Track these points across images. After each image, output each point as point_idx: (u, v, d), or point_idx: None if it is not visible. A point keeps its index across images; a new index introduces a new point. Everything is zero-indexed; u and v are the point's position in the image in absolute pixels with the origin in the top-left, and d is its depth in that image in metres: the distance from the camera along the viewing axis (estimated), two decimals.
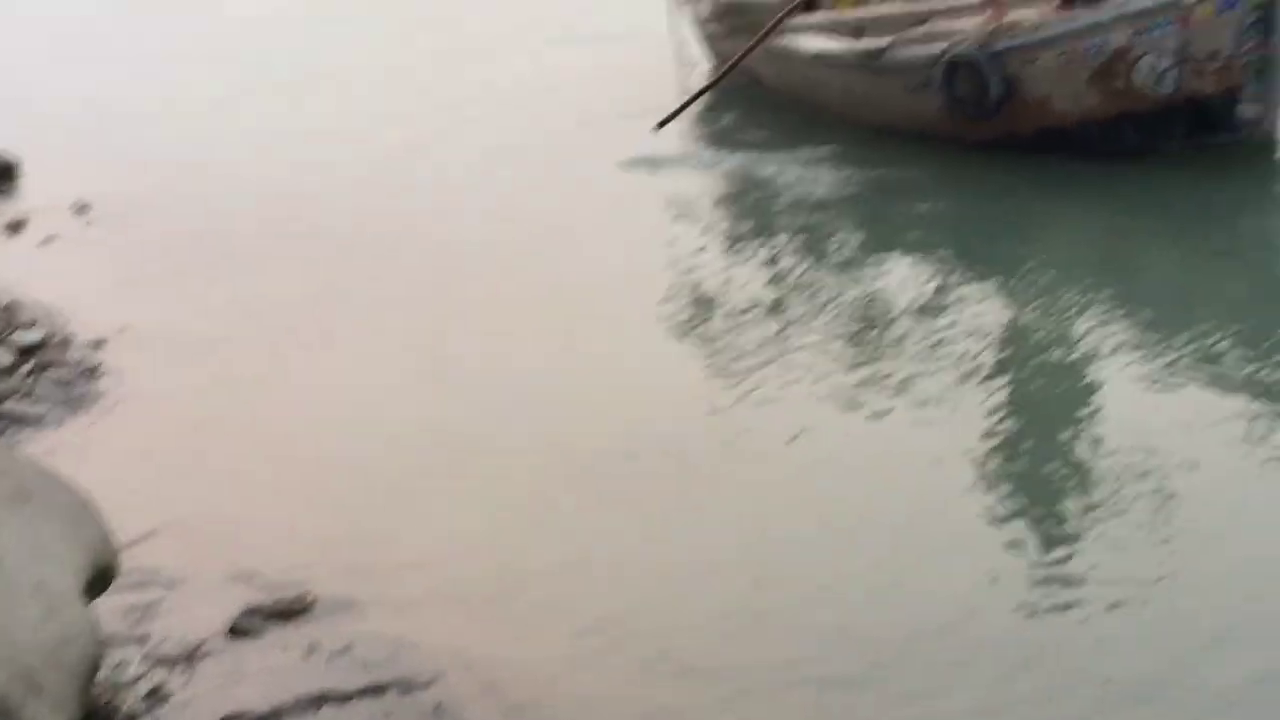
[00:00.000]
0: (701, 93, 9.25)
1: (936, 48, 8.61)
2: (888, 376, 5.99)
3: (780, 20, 9.11)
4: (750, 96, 11.29)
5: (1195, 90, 7.80)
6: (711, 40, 11.63)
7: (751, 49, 8.99)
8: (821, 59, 9.49)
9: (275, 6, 17.96)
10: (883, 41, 9.14)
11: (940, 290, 7.06)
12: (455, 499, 5.17)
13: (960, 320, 6.58)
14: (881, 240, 7.98)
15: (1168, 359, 5.91)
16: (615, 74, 12.70)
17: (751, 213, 8.75)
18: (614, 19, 14.90)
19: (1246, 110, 7.77)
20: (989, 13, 8.58)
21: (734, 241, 8.22)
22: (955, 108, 8.49)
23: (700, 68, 12.65)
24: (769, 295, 7.28)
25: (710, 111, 11.36)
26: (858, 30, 10.41)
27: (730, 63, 9.22)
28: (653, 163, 9.84)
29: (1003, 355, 6.28)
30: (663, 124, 8.81)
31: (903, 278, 7.29)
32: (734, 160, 9.78)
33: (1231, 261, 7.24)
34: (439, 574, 4.66)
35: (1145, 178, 8.09)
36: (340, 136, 11.40)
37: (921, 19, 10.28)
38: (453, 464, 5.48)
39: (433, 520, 5.02)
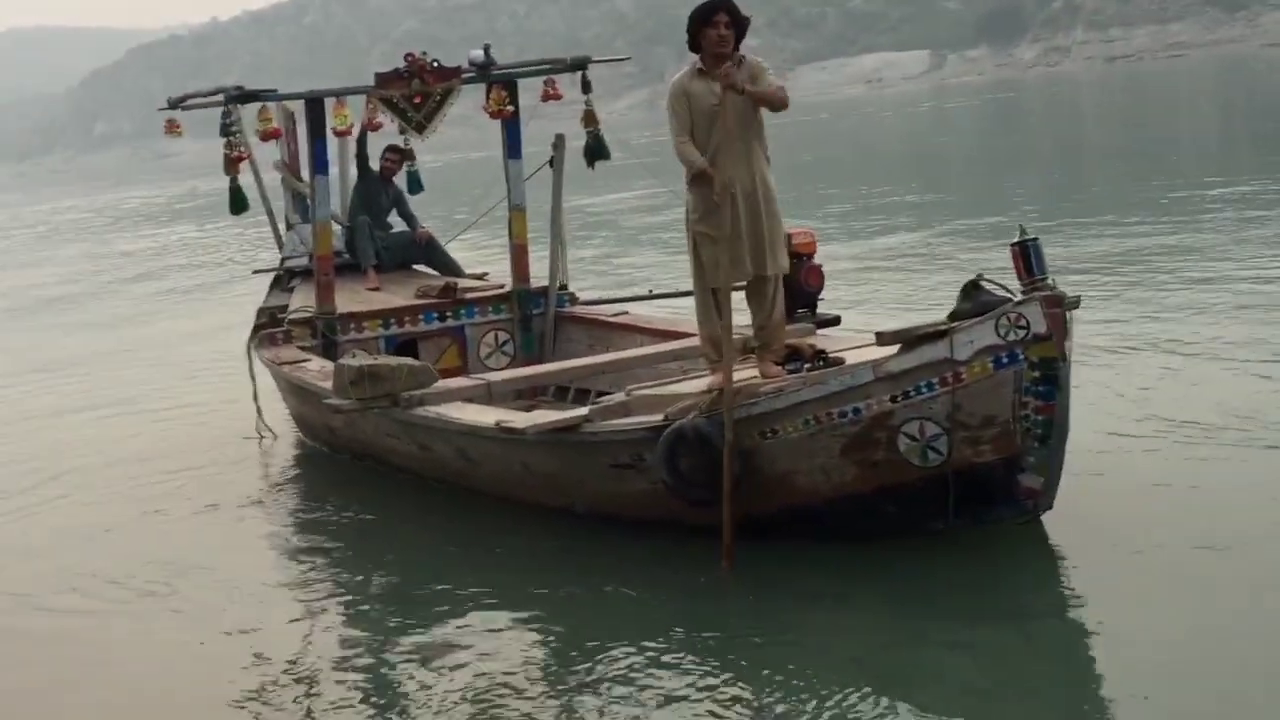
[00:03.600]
0: None
1: (652, 417, 7.27)
2: None
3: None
4: (359, 477, 9.65)
5: (968, 460, 6.71)
6: (318, 417, 9.84)
7: None
8: (492, 432, 7.93)
9: None
10: (581, 411, 7.74)
11: None
12: None
13: None
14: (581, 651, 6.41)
15: None
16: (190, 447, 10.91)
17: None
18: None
19: (1028, 481, 6.73)
20: (712, 374, 7.36)
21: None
22: (678, 487, 7.09)
23: (286, 441, 10.95)
24: None
25: (316, 494, 9.64)
26: (504, 396, 9.09)
27: None
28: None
29: None
30: None
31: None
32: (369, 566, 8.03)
33: (1022, 663, 6.07)
34: None
35: (907, 561, 6.92)
36: None
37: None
38: None
39: None
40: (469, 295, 11.35)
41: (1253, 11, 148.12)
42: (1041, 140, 33.80)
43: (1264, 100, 39.22)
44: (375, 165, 12.29)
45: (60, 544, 8.86)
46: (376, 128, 12.47)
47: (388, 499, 9.24)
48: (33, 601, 7.88)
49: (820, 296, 9.42)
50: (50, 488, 10.27)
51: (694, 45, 7.35)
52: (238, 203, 10.56)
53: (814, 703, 5.67)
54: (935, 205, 22.50)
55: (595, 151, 11.09)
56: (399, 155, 12.16)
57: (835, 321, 9.33)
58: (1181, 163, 26.23)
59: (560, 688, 6.03)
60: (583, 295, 11.68)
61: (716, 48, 7.27)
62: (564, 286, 11.43)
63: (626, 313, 11.11)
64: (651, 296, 11.68)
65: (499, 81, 10.89)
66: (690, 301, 10.71)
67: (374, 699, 6.16)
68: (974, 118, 45.51)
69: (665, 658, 6.20)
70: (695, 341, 9.25)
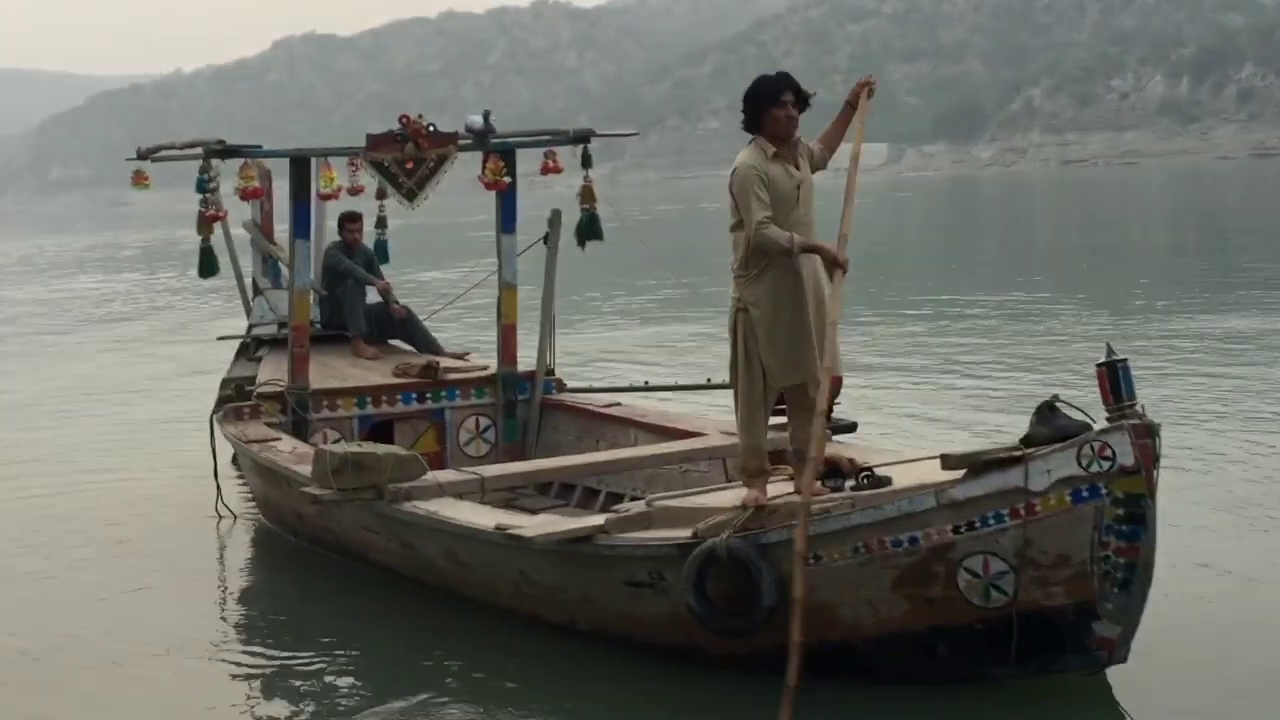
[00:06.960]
0: None
1: (678, 533, 6.49)
2: None
3: None
4: (327, 569, 8.81)
5: (1036, 602, 5.94)
6: (286, 502, 8.99)
7: None
8: (492, 536, 7.12)
9: None
10: (596, 519, 6.94)
11: None
12: None
13: None
14: None
15: None
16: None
17: None
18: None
19: (1103, 630, 5.97)
20: (751, 490, 6.57)
21: None
22: (705, 614, 6.30)
23: (246, 523, 10.06)
24: None
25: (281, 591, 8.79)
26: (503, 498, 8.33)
27: None
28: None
29: None
30: None
31: None
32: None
33: None
34: None
35: (954, 710, 6.15)
36: None
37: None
38: None
39: None
40: (451, 376, 10.56)
41: (1206, 125, 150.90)
42: (998, 236, 33.43)
43: (1211, 209, 39.22)
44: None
45: None
46: (358, 192, 11.73)
47: (357, 596, 8.38)
48: None
49: (837, 401, 8.71)
50: None
51: (754, 125, 6.65)
52: (207, 265, 9.69)
53: None
54: (910, 301, 21.93)
55: (588, 231, 10.33)
56: (360, 224, 11.45)
57: (851, 428, 8.60)
58: (1142, 262, 25.88)
59: None
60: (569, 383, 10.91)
61: (786, 130, 6.60)
62: (550, 372, 10.68)
63: (619, 404, 10.35)
64: (647, 388, 10.94)
65: (497, 151, 10.14)
66: (690, 397, 10.12)
67: None
68: (933, 210, 45.26)
69: None
70: (701, 443, 8.60)
